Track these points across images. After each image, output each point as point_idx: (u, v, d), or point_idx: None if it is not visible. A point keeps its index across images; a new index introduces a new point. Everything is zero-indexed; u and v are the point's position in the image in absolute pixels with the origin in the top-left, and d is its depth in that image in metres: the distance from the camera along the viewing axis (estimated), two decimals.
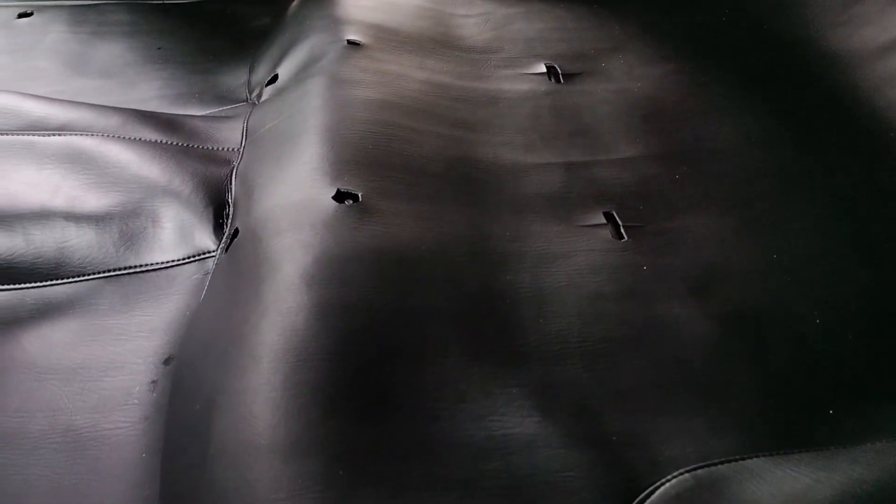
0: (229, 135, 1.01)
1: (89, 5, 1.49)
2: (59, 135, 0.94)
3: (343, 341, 0.64)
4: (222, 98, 1.21)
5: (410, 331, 0.67)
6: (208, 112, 1.14)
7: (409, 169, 0.86)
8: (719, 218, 0.84)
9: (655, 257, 0.79)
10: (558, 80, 1.10)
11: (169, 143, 0.95)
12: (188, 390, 0.67)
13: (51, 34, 1.41)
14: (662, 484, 0.56)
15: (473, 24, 1.24)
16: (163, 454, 0.66)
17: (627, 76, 1.11)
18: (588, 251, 0.79)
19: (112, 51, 1.36)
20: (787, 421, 0.62)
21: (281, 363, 0.61)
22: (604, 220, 0.84)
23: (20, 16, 1.46)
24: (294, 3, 1.37)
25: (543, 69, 1.11)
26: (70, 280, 0.84)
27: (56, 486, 0.68)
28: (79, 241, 0.85)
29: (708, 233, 0.82)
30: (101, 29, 1.42)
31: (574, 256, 0.79)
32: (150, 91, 1.23)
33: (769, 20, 1.17)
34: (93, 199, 0.88)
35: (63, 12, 1.47)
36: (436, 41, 1.16)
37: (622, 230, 0.82)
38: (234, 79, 1.27)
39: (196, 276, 0.84)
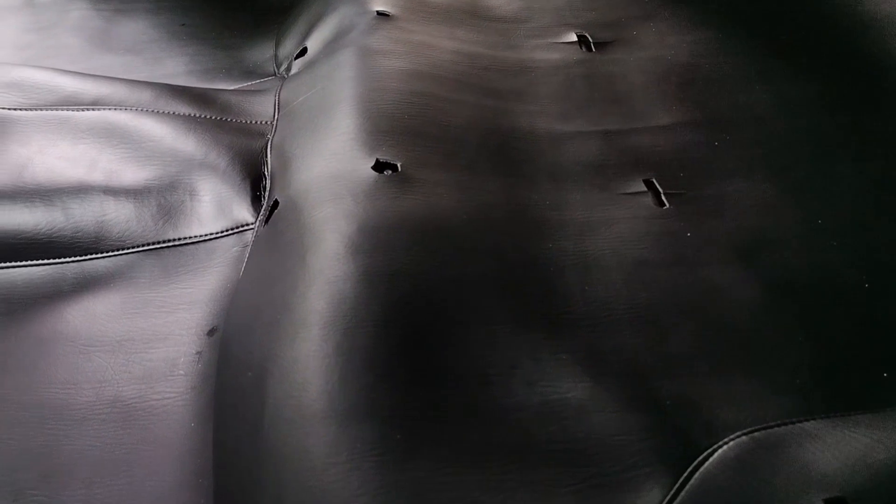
0: (261, 108, 1.00)
1: None
2: (93, 109, 0.94)
3: (391, 309, 0.64)
4: (250, 73, 1.20)
5: (456, 299, 0.67)
6: (237, 86, 1.14)
7: (446, 138, 0.85)
8: (761, 184, 0.83)
9: (699, 224, 0.78)
10: (589, 49, 1.08)
11: (202, 116, 0.95)
12: (238, 359, 0.67)
13: (73, 11, 1.40)
14: (721, 446, 0.55)
15: None
16: (215, 423, 0.66)
17: (659, 44, 1.10)
18: (630, 219, 0.79)
19: (136, 28, 1.35)
20: (840, 384, 0.61)
21: (331, 330, 0.61)
22: (644, 188, 0.83)
23: None
24: None
25: (574, 38, 1.10)
26: (110, 254, 0.84)
27: (106, 455, 0.68)
28: (117, 215, 0.85)
29: (750, 199, 0.81)
30: (124, 6, 1.42)
31: (616, 224, 0.78)
32: (178, 67, 1.23)
33: None
34: (130, 173, 0.88)
35: None
36: (464, 11, 1.15)
37: (663, 197, 0.81)
38: (260, 53, 1.26)
39: (235, 248, 0.83)
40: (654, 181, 0.83)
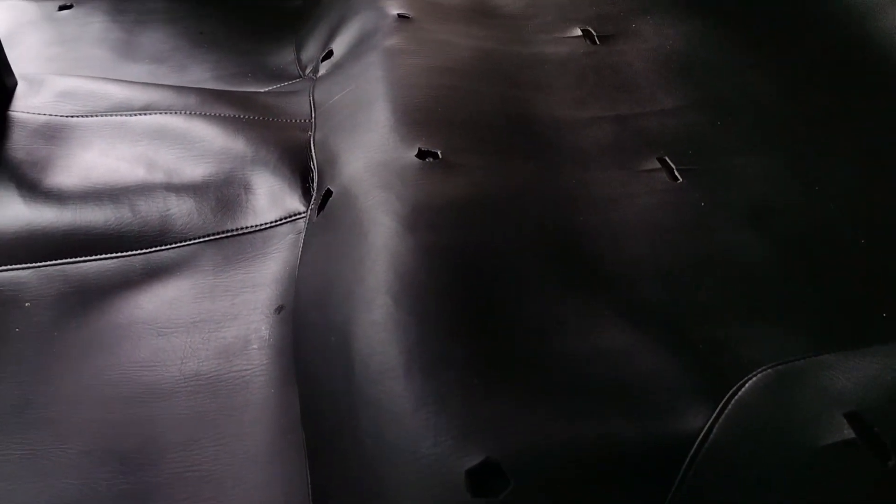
0: (298, 108, 1.08)
1: None
2: (145, 114, 1.01)
3: (451, 278, 0.72)
4: (274, 76, 1.28)
5: (504, 267, 0.75)
6: (266, 89, 1.21)
7: (476, 126, 0.94)
8: (763, 158, 0.93)
9: (710, 194, 0.87)
10: (594, 42, 1.17)
11: (247, 117, 1.02)
12: (318, 327, 0.75)
13: (94, 24, 1.47)
14: (749, 379, 0.64)
15: None
16: (300, 385, 0.74)
17: (658, 35, 1.19)
18: (649, 192, 0.87)
19: (157, 37, 1.42)
20: (848, 324, 0.71)
21: (402, 297, 0.69)
22: (658, 165, 0.92)
23: (61, 8, 1.52)
24: None
25: (579, 32, 1.19)
26: (174, 245, 0.91)
27: (197, 423, 0.76)
28: (180, 210, 0.92)
29: (754, 171, 0.91)
30: (142, 17, 1.48)
31: (637, 197, 0.87)
32: (204, 73, 1.30)
33: None
34: (188, 171, 0.95)
35: (102, 3, 1.53)
36: (475, 11, 1.23)
37: (676, 173, 0.90)
38: (281, 57, 1.34)
39: (290, 235, 0.91)
40: (667, 158, 0.92)
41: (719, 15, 1.21)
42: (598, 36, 1.18)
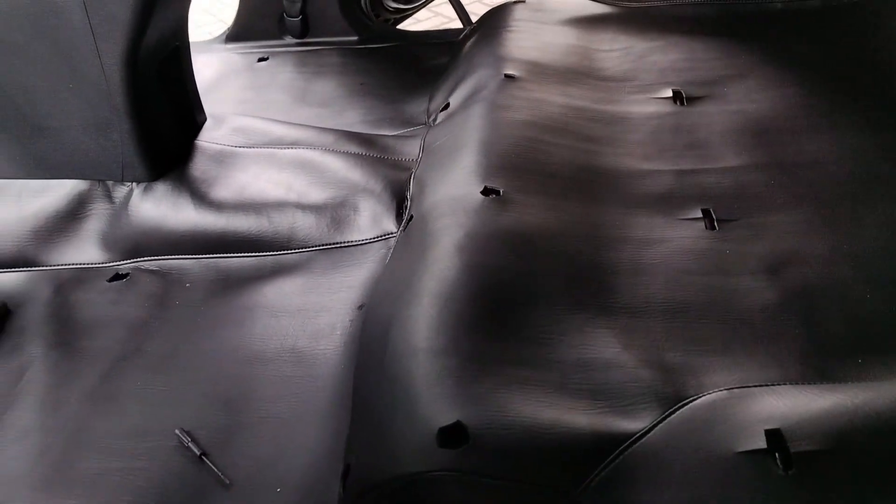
0: (410, 149, 1.31)
1: (310, 51, 1.88)
2: (292, 148, 1.29)
3: (480, 289, 0.89)
4: (407, 122, 1.53)
5: (530, 286, 0.91)
6: (397, 133, 1.46)
7: (543, 173, 1.11)
8: (803, 215, 1.01)
9: (740, 244, 0.97)
10: (682, 103, 1.29)
11: (367, 155, 1.27)
12: (375, 321, 0.95)
13: (282, 74, 1.81)
14: (702, 395, 0.75)
15: (615, 58, 1.47)
16: (357, 362, 0.95)
17: (746, 99, 1.29)
18: (683, 238, 0.99)
19: (327, 86, 1.73)
20: (821, 364, 0.78)
21: (436, 300, 0.87)
22: (700, 215, 1.03)
23: (259, 60, 1.88)
24: (467, 44, 1.67)
25: (670, 94, 1.32)
26: (297, 251, 1.17)
27: (286, 383, 0.99)
28: (304, 224, 1.18)
29: (791, 227, 0.99)
30: (319, 69, 1.80)
31: (670, 242, 0.99)
32: (356, 117, 1.58)
33: (881, 51, 1.30)
34: (314, 194, 1.21)
35: (291, 56, 1.87)
36: (579, 73, 1.40)
37: (715, 223, 1.01)
38: (417, 106, 1.58)
39: (382, 250, 1.13)
40: (711, 210, 1.03)
41: (809, 82, 1.29)
42: (687, 97, 1.30)
